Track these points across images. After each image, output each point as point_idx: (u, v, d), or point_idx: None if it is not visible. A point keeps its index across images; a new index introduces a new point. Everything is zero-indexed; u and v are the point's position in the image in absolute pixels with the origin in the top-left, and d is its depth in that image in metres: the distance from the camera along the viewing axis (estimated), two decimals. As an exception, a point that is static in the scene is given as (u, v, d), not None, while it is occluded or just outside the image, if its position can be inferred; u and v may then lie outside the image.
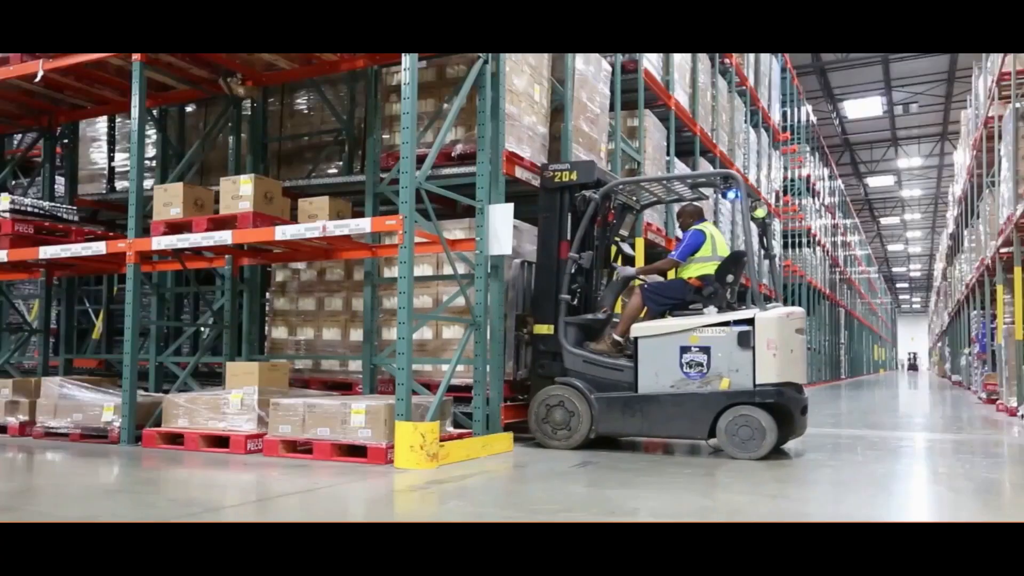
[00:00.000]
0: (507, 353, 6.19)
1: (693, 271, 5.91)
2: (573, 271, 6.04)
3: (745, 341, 5.41)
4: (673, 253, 6.07)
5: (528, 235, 6.61)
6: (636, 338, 5.73)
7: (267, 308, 7.59)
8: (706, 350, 5.50)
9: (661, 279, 6.24)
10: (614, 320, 6.27)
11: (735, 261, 5.90)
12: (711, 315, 5.59)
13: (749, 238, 5.85)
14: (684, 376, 5.54)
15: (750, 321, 5.45)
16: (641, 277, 6.40)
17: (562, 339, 5.95)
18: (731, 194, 6.05)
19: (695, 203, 6.49)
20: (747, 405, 5.38)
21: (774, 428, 5.33)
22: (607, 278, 6.56)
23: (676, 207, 7.41)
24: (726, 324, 5.49)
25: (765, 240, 6.36)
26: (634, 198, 6.75)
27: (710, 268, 5.87)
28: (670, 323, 5.69)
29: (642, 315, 5.99)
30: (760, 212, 5.97)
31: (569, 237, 6.09)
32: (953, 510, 4.05)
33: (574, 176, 6.05)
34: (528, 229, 6.63)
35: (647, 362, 5.66)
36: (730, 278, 5.79)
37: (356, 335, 6.89)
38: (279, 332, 7.33)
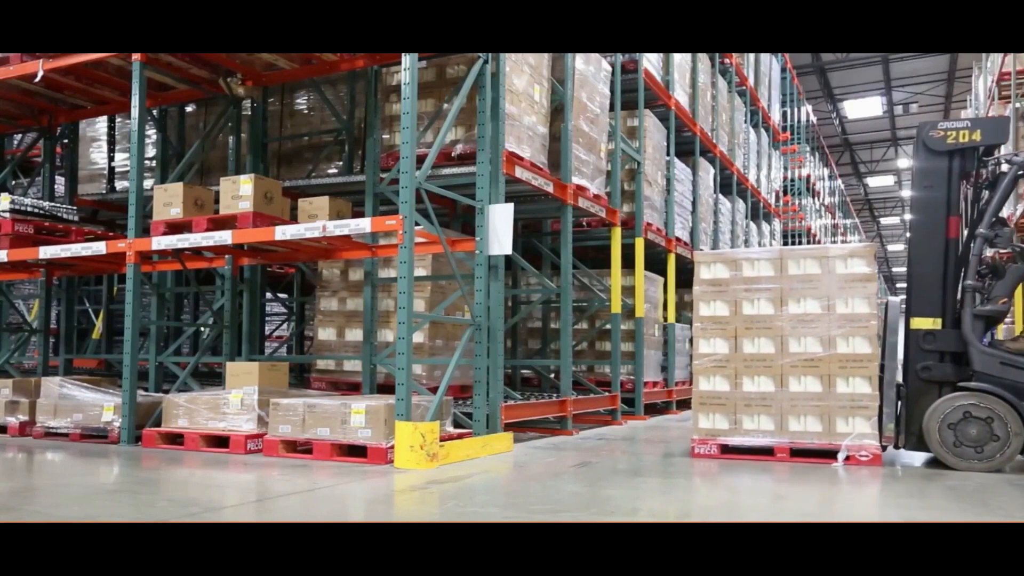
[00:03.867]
0: (885, 413, 5.19)
1: None
2: (981, 252, 5.13)
3: None
4: None
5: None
6: None
7: (314, 308, 7.30)
8: None
9: None
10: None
11: None
12: None
13: None
14: None
15: None
16: None
17: (970, 335, 5.02)
18: None
19: None
20: None
21: None
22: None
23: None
24: None
25: None
26: None
27: None
28: None
29: None
30: None
31: (960, 211, 5.23)
32: (949, 512, 4.05)
33: (977, 136, 5.09)
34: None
35: None
36: None
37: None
38: (326, 333, 7.05)
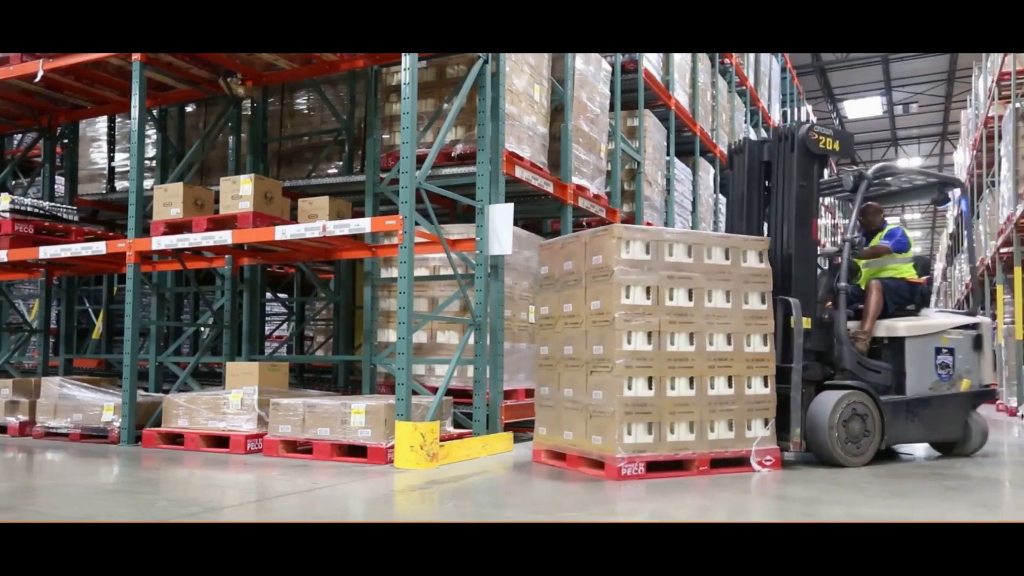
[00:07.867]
0: (792, 418, 4.98)
1: (902, 271, 5.80)
2: (850, 256, 5.49)
3: (979, 344, 5.63)
4: (888, 242, 5.78)
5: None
6: (903, 338, 5.44)
7: (375, 308, 6.76)
8: (951, 351, 5.54)
9: (890, 278, 5.78)
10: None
11: (927, 266, 6.06)
12: (947, 316, 5.76)
13: (971, 243, 5.80)
14: (938, 378, 5.48)
15: (974, 325, 5.71)
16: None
17: (844, 335, 5.30)
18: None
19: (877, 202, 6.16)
20: (985, 406, 5.60)
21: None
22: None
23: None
24: (965, 327, 5.65)
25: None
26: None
27: (909, 269, 5.84)
28: (931, 323, 5.60)
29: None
30: None
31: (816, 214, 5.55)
32: (948, 511, 4.05)
33: (836, 147, 5.40)
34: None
35: (914, 363, 5.43)
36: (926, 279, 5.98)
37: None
38: (387, 334, 6.56)
